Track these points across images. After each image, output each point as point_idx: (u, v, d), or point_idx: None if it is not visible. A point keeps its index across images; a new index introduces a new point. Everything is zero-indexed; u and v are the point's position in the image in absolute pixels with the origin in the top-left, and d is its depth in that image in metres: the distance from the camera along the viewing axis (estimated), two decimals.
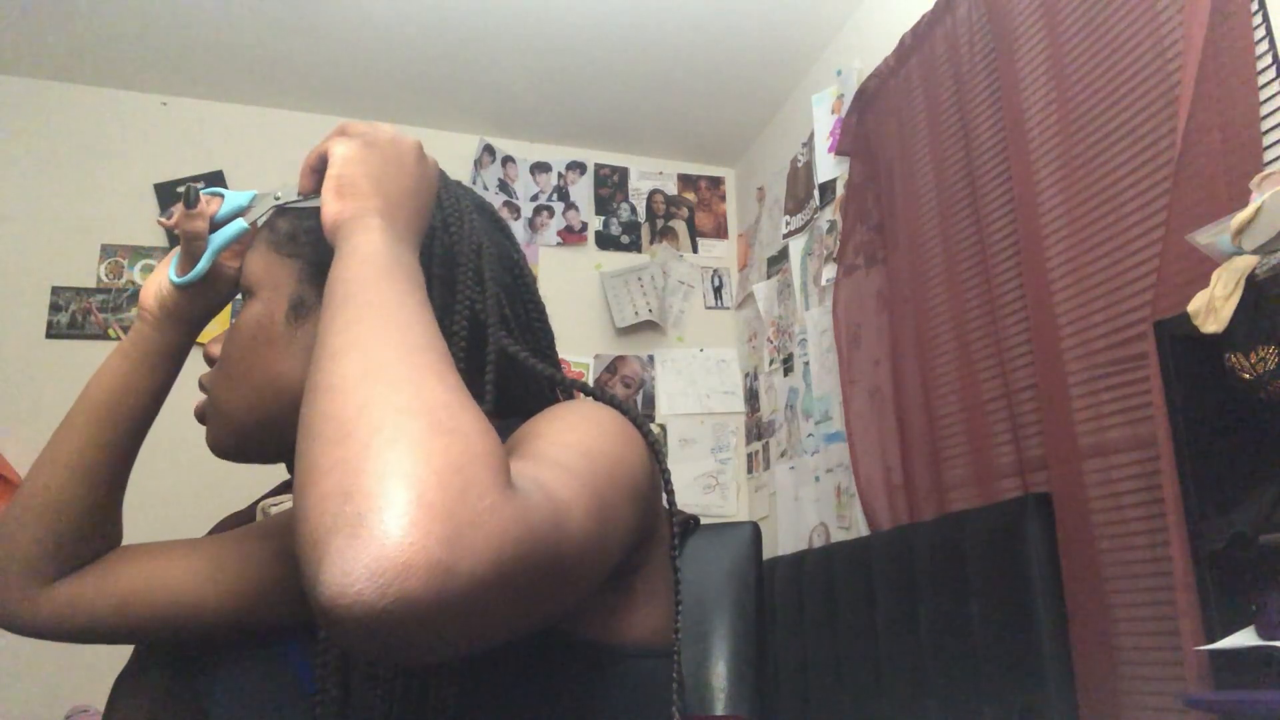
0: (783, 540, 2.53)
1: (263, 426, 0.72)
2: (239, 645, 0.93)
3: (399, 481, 0.40)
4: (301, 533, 0.41)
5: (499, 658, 0.55)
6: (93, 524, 0.77)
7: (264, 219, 0.73)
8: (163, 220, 0.76)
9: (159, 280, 0.77)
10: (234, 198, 0.74)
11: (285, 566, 0.80)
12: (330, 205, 0.63)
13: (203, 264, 0.73)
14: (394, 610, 0.38)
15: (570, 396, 0.75)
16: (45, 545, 0.75)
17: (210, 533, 1.00)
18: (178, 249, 0.76)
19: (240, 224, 0.73)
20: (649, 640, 0.64)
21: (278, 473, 1.09)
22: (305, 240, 0.72)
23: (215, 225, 0.74)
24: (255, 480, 1.13)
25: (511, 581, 0.42)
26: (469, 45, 2.49)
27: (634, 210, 3.08)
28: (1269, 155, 1.23)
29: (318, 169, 0.69)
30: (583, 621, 0.61)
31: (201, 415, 0.76)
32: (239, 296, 0.75)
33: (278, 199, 0.73)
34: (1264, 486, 1.04)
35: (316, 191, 0.68)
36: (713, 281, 3.09)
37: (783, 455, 2.64)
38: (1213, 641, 1.03)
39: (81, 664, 2.16)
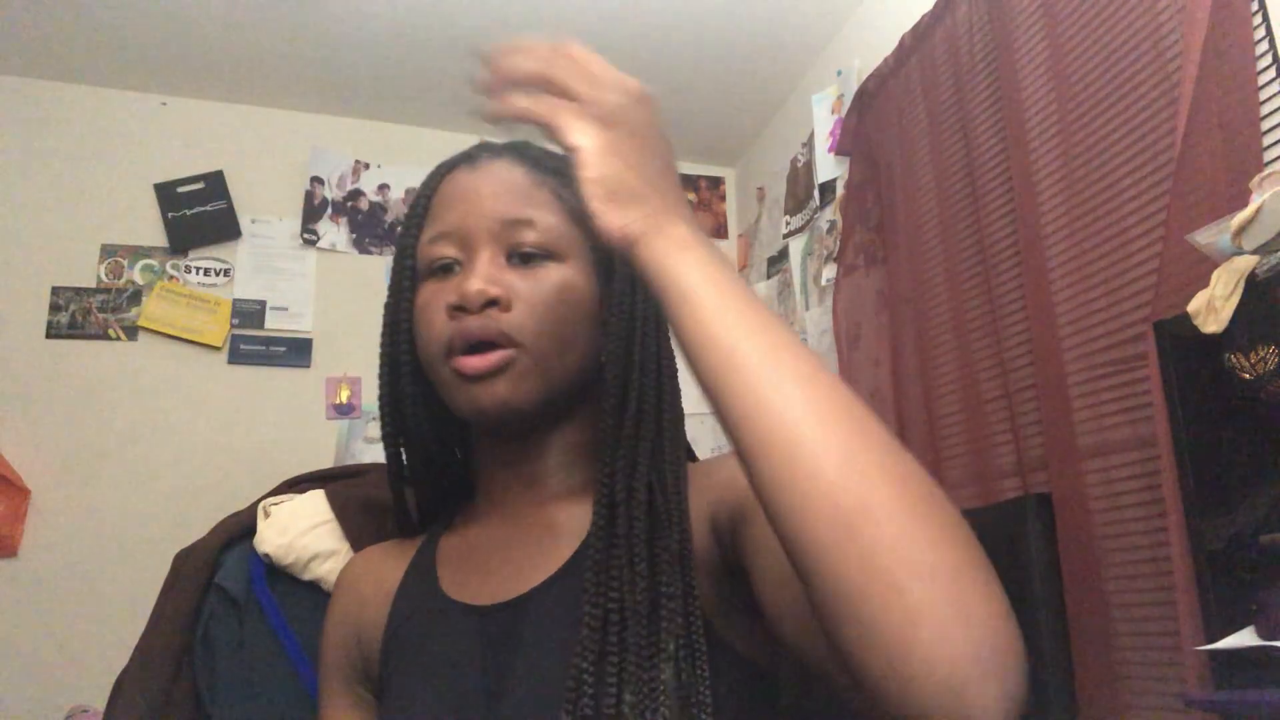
0: None
1: (566, 391, 0.74)
2: (238, 644, 0.93)
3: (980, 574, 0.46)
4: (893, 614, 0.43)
5: None
6: None
7: None
8: None
9: None
10: None
11: None
12: (611, 218, 0.54)
13: None
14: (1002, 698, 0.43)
15: None
16: None
17: (211, 533, 1.00)
18: None
19: None
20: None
21: (277, 473, 1.09)
22: (589, 226, 0.74)
23: None
24: (255, 480, 1.13)
25: None
26: (468, 45, 2.48)
27: None
28: (1269, 155, 1.23)
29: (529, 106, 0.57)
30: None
31: (507, 363, 0.70)
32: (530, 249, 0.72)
33: None
34: (1264, 486, 1.04)
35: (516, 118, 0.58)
36: None
37: None
38: (1213, 641, 1.03)
39: (81, 664, 2.16)
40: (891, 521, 0.45)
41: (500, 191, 0.74)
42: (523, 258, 0.72)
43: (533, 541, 0.73)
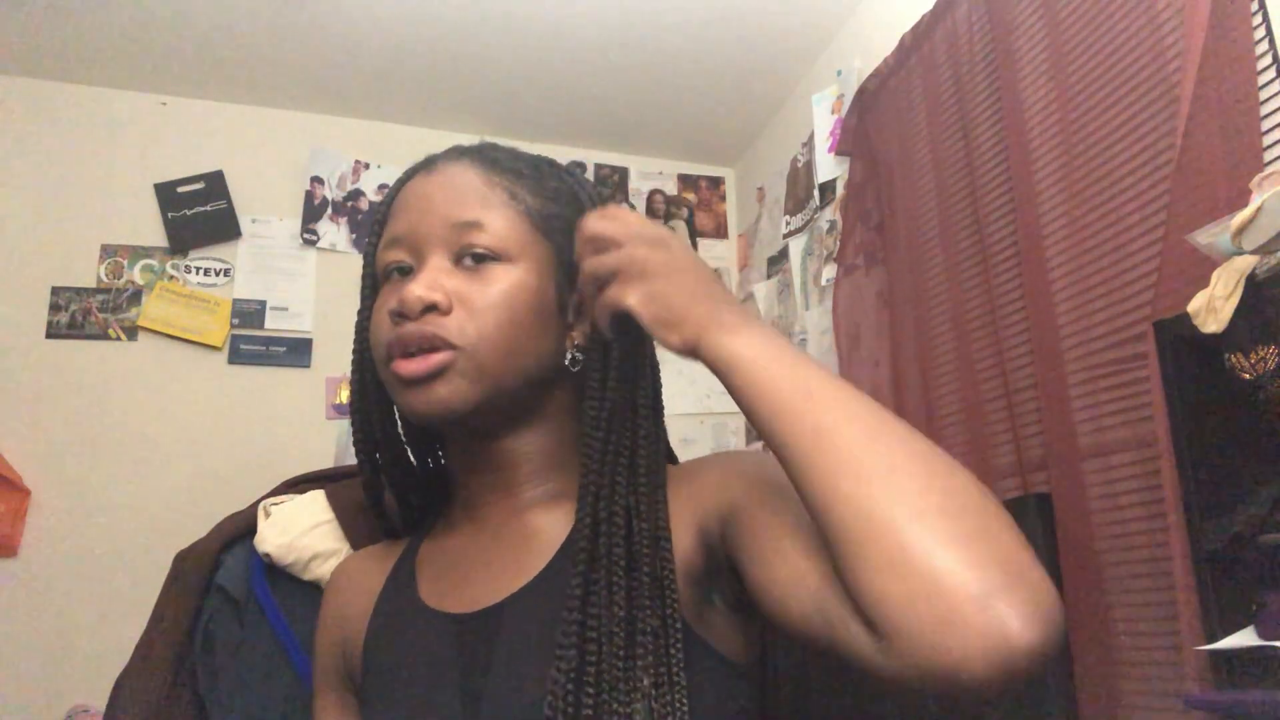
0: None
1: (517, 394, 0.73)
2: (238, 644, 0.93)
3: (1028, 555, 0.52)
4: (957, 581, 0.48)
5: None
6: None
7: None
8: None
9: None
10: None
11: None
12: (671, 340, 0.63)
13: None
14: (1042, 651, 0.47)
15: None
16: None
17: (211, 533, 1.00)
18: None
19: None
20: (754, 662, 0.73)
21: (277, 473, 1.09)
22: (559, 227, 0.74)
23: None
24: (255, 480, 1.13)
25: None
26: (469, 45, 2.49)
27: (634, 210, 3.07)
28: (1269, 155, 1.23)
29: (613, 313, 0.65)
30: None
31: (445, 366, 0.70)
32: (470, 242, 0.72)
33: None
34: (1264, 486, 1.04)
35: (619, 330, 0.67)
36: None
37: None
38: (1213, 641, 1.03)
39: (81, 664, 2.16)
40: (909, 474, 0.53)
41: (452, 195, 0.74)
42: (473, 259, 0.72)
43: (509, 550, 0.73)
